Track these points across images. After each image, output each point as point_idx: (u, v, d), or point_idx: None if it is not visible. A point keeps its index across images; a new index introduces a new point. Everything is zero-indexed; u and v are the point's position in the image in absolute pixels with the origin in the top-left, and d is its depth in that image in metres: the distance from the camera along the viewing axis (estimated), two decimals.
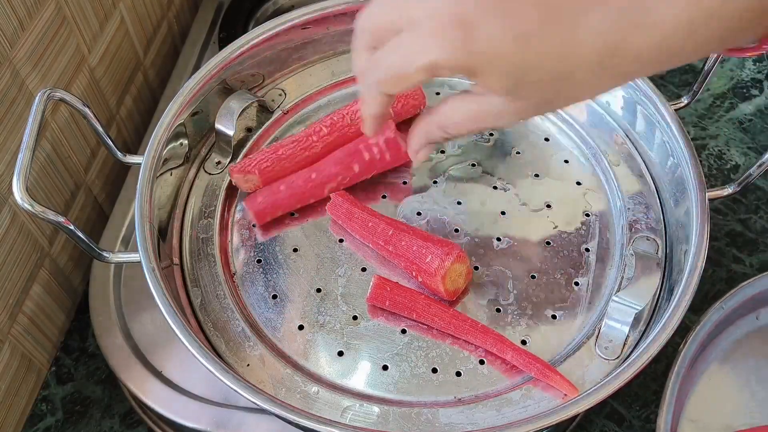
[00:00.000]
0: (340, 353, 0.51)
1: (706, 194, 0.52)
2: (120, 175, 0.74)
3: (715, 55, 0.57)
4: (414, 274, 0.52)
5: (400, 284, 0.52)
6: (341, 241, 0.56)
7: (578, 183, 0.59)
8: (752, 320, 0.58)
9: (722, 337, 0.58)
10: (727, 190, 0.55)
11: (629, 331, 0.50)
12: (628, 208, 0.57)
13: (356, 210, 0.55)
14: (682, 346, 0.53)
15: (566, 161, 0.61)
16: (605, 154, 0.60)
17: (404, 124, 0.62)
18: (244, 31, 0.76)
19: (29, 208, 0.48)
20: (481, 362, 0.50)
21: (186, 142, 0.60)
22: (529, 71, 0.35)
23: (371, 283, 0.51)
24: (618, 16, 0.34)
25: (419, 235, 0.53)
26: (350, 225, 0.55)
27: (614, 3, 0.34)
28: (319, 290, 0.54)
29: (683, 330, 0.63)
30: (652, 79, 0.59)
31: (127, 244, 0.65)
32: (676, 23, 0.34)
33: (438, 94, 0.65)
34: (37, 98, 0.51)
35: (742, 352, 0.58)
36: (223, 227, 0.58)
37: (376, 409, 0.48)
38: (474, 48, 0.35)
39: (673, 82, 0.83)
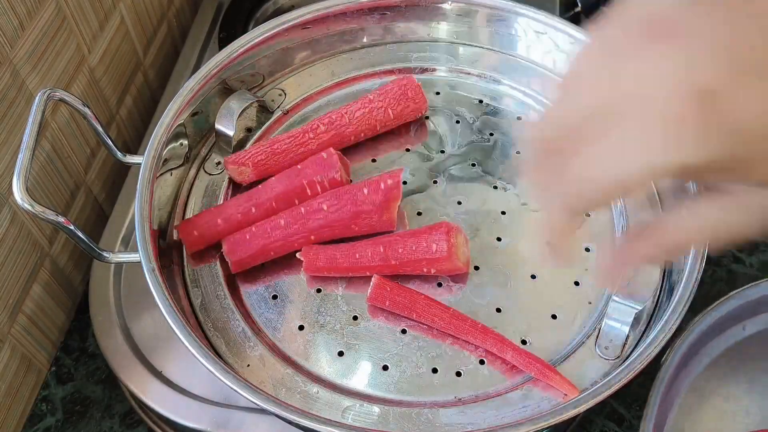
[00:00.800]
0: (341, 353, 0.51)
1: None
2: (120, 175, 0.74)
3: None
4: (426, 269, 0.52)
5: (400, 284, 0.52)
6: (341, 241, 0.56)
7: None
8: (739, 331, 0.57)
9: (708, 348, 0.56)
10: None
11: (629, 331, 0.50)
12: (628, 208, 0.57)
13: (335, 252, 0.53)
14: (665, 357, 0.52)
15: None
16: None
17: (404, 128, 0.62)
18: (244, 31, 0.76)
19: (29, 208, 0.48)
20: (481, 362, 0.50)
21: (186, 142, 0.60)
22: None
23: (371, 283, 0.51)
24: None
25: (407, 235, 0.53)
26: (341, 268, 0.53)
27: None
28: (319, 290, 0.54)
29: (682, 330, 0.63)
30: None
31: (127, 244, 0.65)
32: None
33: (438, 93, 0.65)
34: (37, 98, 0.51)
35: (729, 362, 0.56)
36: None
37: (376, 409, 0.47)
38: (728, 119, 0.24)
39: None
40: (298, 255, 0.53)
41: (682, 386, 0.55)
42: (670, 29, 0.25)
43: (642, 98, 0.25)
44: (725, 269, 0.67)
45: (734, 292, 0.56)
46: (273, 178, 0.57)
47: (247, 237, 0.54)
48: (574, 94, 0.28)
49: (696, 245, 0.30)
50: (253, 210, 0.56)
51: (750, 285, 0.56)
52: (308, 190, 0.56)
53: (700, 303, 0.64)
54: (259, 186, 0.57)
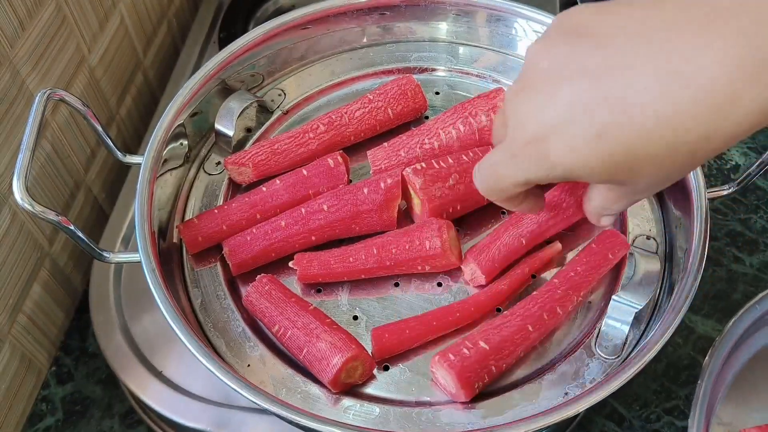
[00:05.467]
0: None
1: (706, 194, 0.52)
2: (120, 175, 0.74)
3: None
4: (420, 267, 0.52)
5: (396, 322, 0.50)
6: (341, 241, 0.56)
7: None
8: None
9: (754, 340, 0.56)
10: (727, 190, 0.55)
11: (629, 330, 0.50)
12: (628, 208, 0.56)
13: (328, 257, 0.53)
14: (712, 348, 0.52)
15: None
16: None
17: (403, 127, 0.62)
18: (244, 31, 0.76)
19: (29, 208, 0.48)
20: None
21: (186, 142, 0.60)
22: (620, 161, 0.34)
23: (372, 340, 0.49)
24: (722, 71, 0.31)
25: (400, 235, 0.53)
26: (335, 274, 0.53)
27: (714, 57, 0.31)
28: (319, 291, 0.54)
29: (684, 330, 0.63)
30: None
31: (127, 244, 0.65)
32: None
33: (438, 93, 0.65)
34: (37, 98, 0.51)
35: None
36: None
37: (376, 409, 0.47)
38: (556, 160, 0.35)
39: None
40: (291, 264, 0.53)
41: (727, 379, 0.55)
42: (555, 83, 0.35)
43: (523, 140, 0.37)
44: (725, 269, 0.67)
45: None
46: (278, 183, 0.56)
47: (248, 239, 0.54)
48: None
49: (609, 209, 0.42)
50: (258, 216, 0.55)
51: None
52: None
53: (700, 303, 0.64)
54: (264, 190, 0.56)
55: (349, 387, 0.49)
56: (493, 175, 0.40)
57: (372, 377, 0.49)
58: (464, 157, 0.54)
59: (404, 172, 0.54)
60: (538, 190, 0.44)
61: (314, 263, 0.53)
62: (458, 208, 0.54)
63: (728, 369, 0.55)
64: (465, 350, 0.47)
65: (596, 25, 0.34)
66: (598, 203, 0.41)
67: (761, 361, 0.56)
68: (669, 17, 0.32)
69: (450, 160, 0.54)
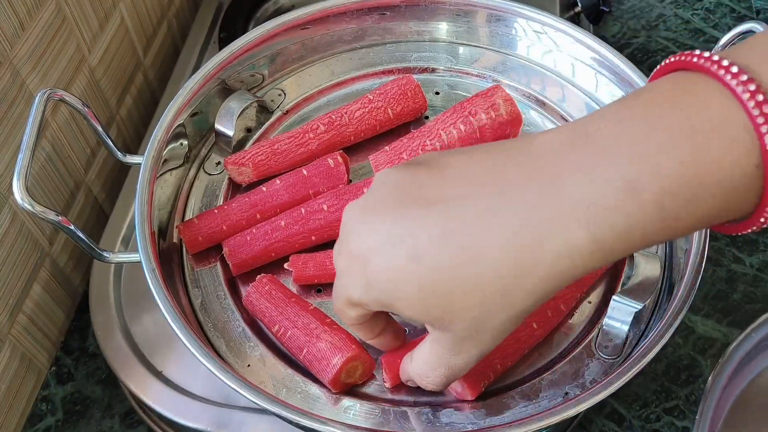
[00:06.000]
0: None
1: None
2: (120, 175, 0.74)
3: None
4: None
5: (407, 346, 0.48)
6: None
7: None
8: None
9: (757, 362, 0.55)
10: None
11: (629, 330, 0.50)
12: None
13: (324, 258, 0.52)
14: (714, 372, 0.51)
15: None
16: None
17: (403, 127, 0.62)
18: (244, 31, 0.76)
19: (29, 208, 0.48)
20: None
21: (186, 142, 0.60)
22: (435, 290, 0.34)
23: (383, 368, 0.48)
24: (528, 214, 0.33)
25: None
26: (331, 274, 0.50)
27: (524, 199, 0.33)
28: (319, 291, 0.54)
29: (684, 330, 0.63)
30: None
31: (127, 244, 0.65)
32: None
33: (438, 93, 0.65)
34: (37, 98, 0.51)
35: None
36: None
37: (376, 409, 0.47)
38: (372, 277, 0.35)
39: None
40: (286, 266, 0.53)
41: (728, 403, 0.54)
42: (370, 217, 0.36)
43: (340, 259, 0.38)
44: (725, 269, 0.67)
45: None
46: (278, 183, 0.56)
47: (248, 239, 0.54)
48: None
49: (430, 377, 0.41)
50: (258, 216, 0.55)
51: None
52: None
53: (700, 303, 0.64)
54: (264, 190, 0.56)
55: (349, 387, 0.49)
56: (335, 293, 0.40)
57: (372, 377, 0.49)
58: None
59: None
60: (398, 326, 0.45)
61: (310, 264, 0.53)
62: None
63: (728, 396, 0.54)
64: None
65: (436, 161, 0.37)
66: (418, 365, 0.41)
67: (754, 392, 0.55)
68: (499, 162, 0.35)
69: None
